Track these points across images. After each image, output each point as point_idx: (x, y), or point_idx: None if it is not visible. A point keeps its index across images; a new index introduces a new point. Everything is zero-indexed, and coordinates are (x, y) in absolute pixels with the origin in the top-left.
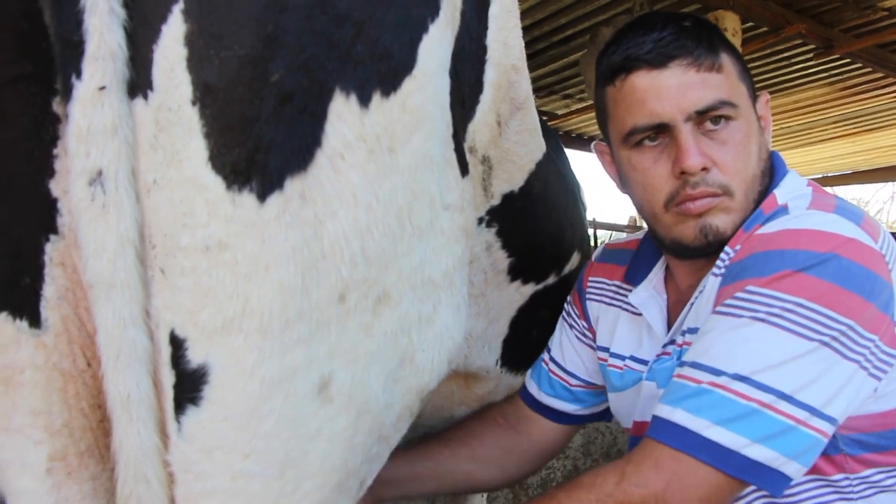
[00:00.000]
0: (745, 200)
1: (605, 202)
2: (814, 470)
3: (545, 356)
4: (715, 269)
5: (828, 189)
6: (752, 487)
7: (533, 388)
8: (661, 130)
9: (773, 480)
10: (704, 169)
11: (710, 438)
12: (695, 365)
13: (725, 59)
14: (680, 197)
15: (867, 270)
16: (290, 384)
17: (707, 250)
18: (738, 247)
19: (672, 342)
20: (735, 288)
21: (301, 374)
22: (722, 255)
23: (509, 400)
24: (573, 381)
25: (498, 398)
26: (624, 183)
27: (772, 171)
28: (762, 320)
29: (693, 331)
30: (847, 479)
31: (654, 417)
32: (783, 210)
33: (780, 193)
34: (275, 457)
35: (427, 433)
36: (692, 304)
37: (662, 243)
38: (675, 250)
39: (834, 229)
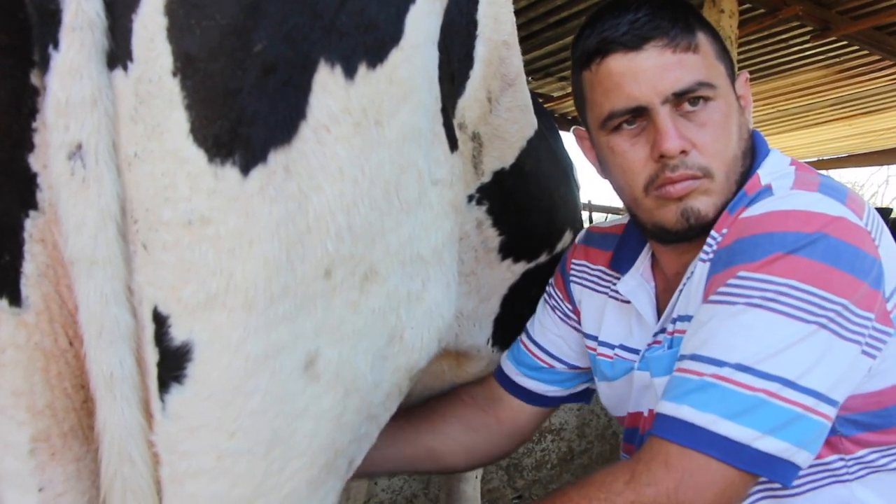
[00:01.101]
0: (727, 182)
1: (601, 184)
2: None
3: (523, 337)
4: (702, 255)
5: (823, 172)
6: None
7: (509, 369)
8: (639, 114)
9: (784, 471)
10: (683, 152)
11: (719, 433)
12: (695, 357)
13: (702, 39)
14: (660, 180)
15: (856, 248)
16: (276, 361)
17: (689, 234)
18: (724, 231)
19: (663, 330)
20: (727, 275)
21: (287, 350)
22: (708, 239)
23: (480, 381)
24: (554, 363)
25: None
26: (604, 168)
27: (754, 151)
28: (758, 306)
29: (684, 318)
30: (842, 459)
31: (659, 415)
32: (767, 191)
33: (763, 173)
34: (261, 435)
35: None
36: (681, 290)
37: (644, 228)
38: (658, 235)
39: (820, 209)
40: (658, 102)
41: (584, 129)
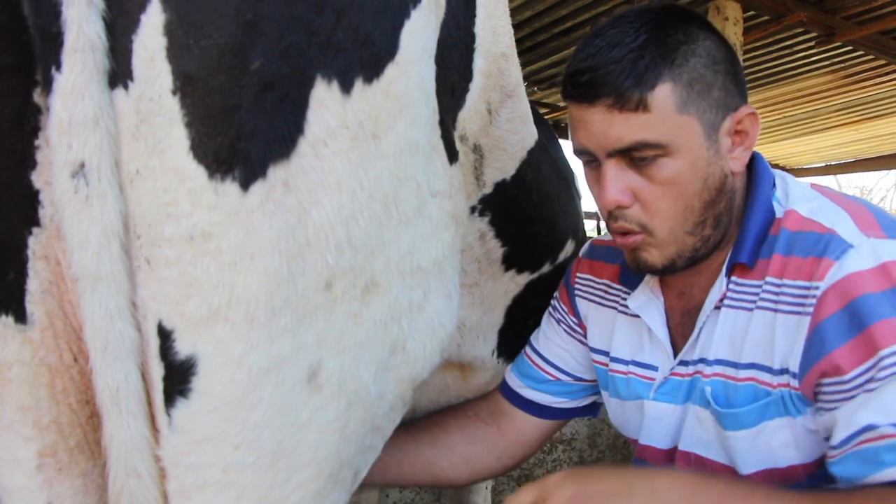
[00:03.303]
0: (670, 237)
1: None
2: None
3: (528, 350)
4: (732, 302)
5: (831, 178)
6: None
7: (514, 382)
8: (595, 157)
9: None
10: (620, 206)
11: None
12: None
13: (662, 93)
14: (608, 225)
15: None
16: (279, 373)
17: (653, 274)
18: (797, 281)
19: (684, 363)
20: (863, 351)
21: (289, 362)
22: (766, 285)
23: (484, 397)
24: (560, 375)
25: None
26: None
27: (755, 179)
28: None
29: (720, 362)
30: None
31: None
32: (838, 240)
33: (802, 208)
34: (266, 447)
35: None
36: (701, 328)
37: None
38: None
39: None
40: (603, 155)
41: None
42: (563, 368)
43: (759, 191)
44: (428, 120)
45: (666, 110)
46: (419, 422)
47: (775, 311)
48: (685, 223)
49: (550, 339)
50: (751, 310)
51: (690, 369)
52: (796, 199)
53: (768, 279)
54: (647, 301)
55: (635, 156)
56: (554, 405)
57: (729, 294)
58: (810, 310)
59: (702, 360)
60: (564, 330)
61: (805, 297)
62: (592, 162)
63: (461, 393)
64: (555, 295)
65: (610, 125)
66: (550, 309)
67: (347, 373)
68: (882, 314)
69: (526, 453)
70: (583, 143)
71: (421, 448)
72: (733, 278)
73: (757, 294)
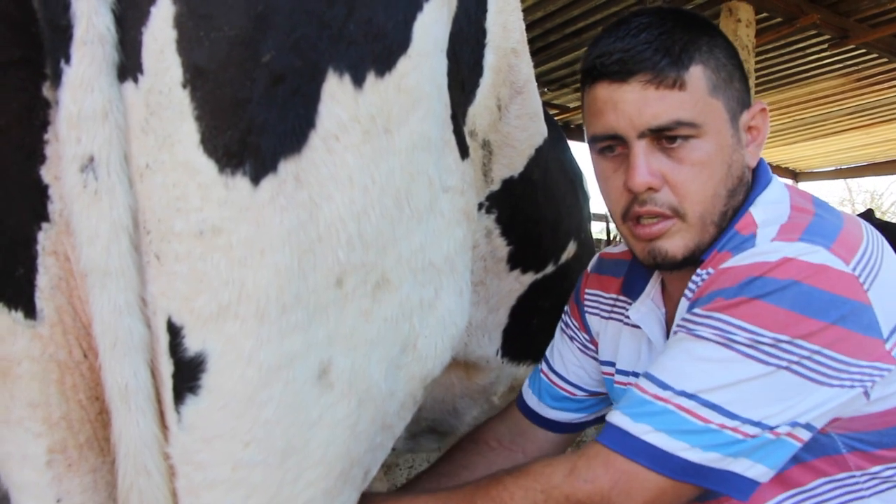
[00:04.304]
0: (701, 223)
1: None
2: (818, 472)
3: (543, 367)
4: (687, 292)
5: (842, 182)
6: (783, 494)
7: (533, 401)
8: (620, 142)
9: (725, 482)
10: (651, 188)
11: (650, 443)
12: (647, 376)
13: (695, 75)
14: (631, 213)
15: (833, 296)
16: (289, 370)
17: (659, 269)
18: (710, 270)
19: None
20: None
21: (300, 359)
22: (694, 277)
23: (501, 418)
24: (577, 392)
25: (500, 389)
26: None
27: (754, 181)
28: (711, 341)
29: None
30: (853, 476)
31: (607, 422)
32: (751, 241)
33: (757, 212)
34: (276, 445)
35: (412, 477)
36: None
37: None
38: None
39: (799, 258)
40: (634, 136)
41: None
42: (579, 385)
43: (753, 193)
44: (440, 114)
45: (699, 91)
46: (444, 467)
47: (689, 299)
48: (714, 210)
49: (564, 356)
50: (687, 297)
51: None
52: (760, 203)
53: (698, 270)
54: (649, 312)
55: (668, 135)
56: (573, 421)
57: (689, 284)
58: (695, 290)
59: None
60: (578, 347)
61: (699, 283)
62: (614, 149)
63: (466, 393)
64: (565, 309)
65: (645, 102)
66: (562, 325)
67: (358, 370)
68: (736, 294)
69: None
70: (611, 124)
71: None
72: (697, 269)
73: (696, 284)
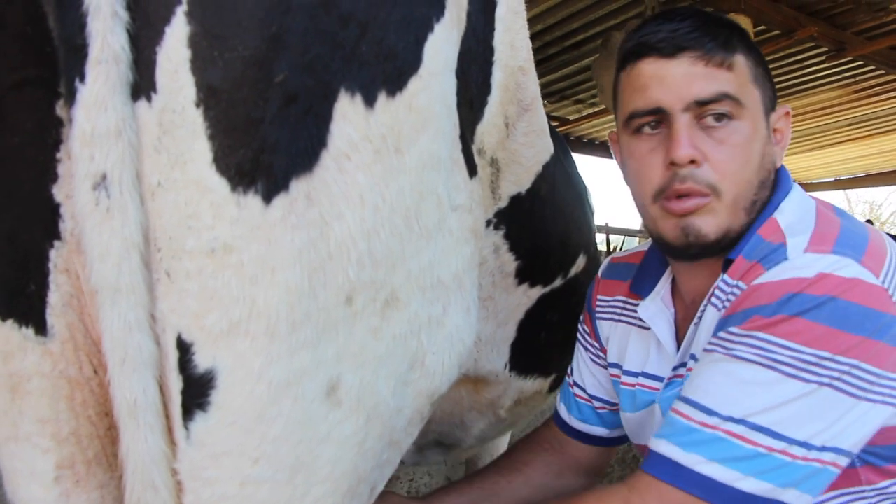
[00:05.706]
0: (734, 205)
1: (618, 207)
2: (831, 484)
3: (569, 379)
4: (714, 300)
5: (841, 192)
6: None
7: (563, 413)
8: (661, 120)
9: None
10: (693, 162)
11: (702, 474)
12: (686, 401)
13: (740, 60)
14: (668, 191)
15: (868, 309)
16: (298, 387)
17: (689, 251)
18: (740, 283)
19: (682, 365)
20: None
21: (309, 377)
22: (721, 284)
23: (547, 425)
24: (597, 404)
25: (507, 402)
26: (624, 171)
27: (775, 186)
28: (753, 362)
29: (694, 358)
30: (863, 491)
31: (651, 451)
32: (782, 252)
33: (783, 219)
34: (284, 461)
35: (469, 468)
36: (697, 325)
37: (651, 236)
38: (660, 246)
39: (833, 272)
40: (679, 109)
41: (615, 131)
42: (600, 397)
43: (776, 196)
44: (449, 134)
45: (743, 76)
46: (506, 462)
47: (718, 308)
48: (747, 195)
49: (582, 369)
50: (716, 306)
51: (682, 370)
52: (786, 211)
53: (724, 277)
54: (658, 312)
55: (713, 111)
56: (602, 436)
57: (716, 291)
58: (727, 304)
59: (692, 357)
60: (591, 358)
61: (733, 294)
62: (654, 126)
63: (474, 406)
64: (580, 318)
65: (693, 77)
66: (578, 336)
67: (367, 387)
68: (775, 312)
69: (596, 476)
70: (656, 96)
71: (516, 489)
72: (723, 276)
73: (724, 293)
